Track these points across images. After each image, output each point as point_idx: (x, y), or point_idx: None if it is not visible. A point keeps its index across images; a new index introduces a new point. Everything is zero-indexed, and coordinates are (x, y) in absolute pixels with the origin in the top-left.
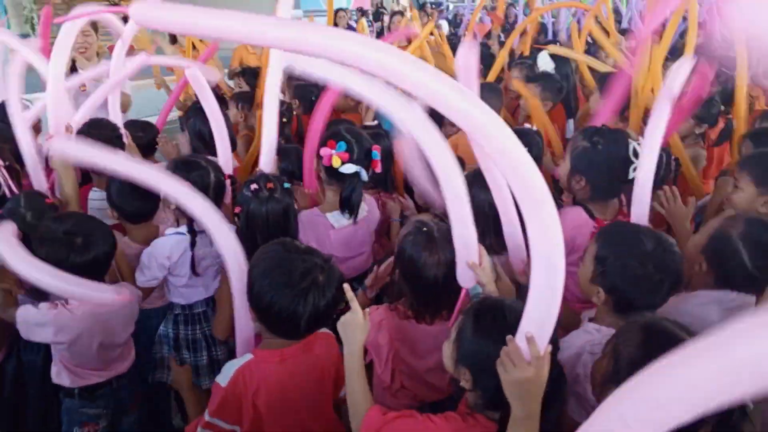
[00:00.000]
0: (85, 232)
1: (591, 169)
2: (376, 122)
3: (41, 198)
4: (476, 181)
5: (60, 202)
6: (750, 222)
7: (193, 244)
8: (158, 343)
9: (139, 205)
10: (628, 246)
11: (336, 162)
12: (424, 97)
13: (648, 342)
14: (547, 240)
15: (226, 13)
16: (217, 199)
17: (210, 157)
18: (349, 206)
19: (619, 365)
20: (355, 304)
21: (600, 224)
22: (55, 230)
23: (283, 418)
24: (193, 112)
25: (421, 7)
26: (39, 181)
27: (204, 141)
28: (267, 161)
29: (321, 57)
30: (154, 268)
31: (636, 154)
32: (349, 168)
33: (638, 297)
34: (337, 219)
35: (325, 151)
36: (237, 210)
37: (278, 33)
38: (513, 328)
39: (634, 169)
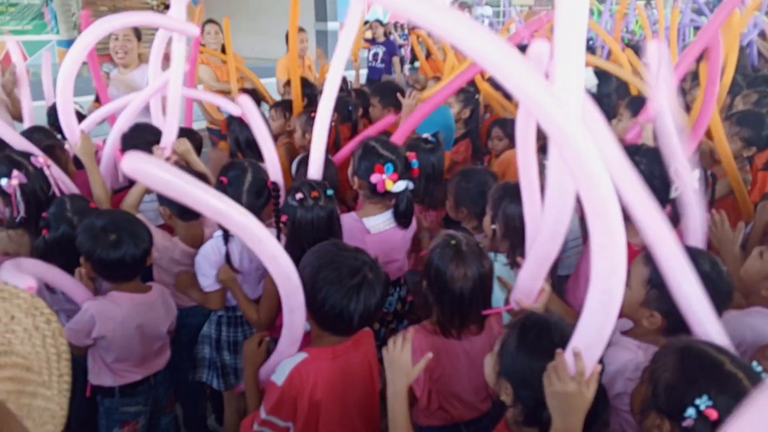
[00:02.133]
0: (119, 230)
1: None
2: (426, 135)
3: (85, 201)
4: (507, 195)
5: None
6: None
7: (226, 239)
8: (200, 343)
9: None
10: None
11: (390, 185)
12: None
13: (684, 365)
14: (610, 262)
15: None
16: (257, 198)
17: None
18: (404, 219)
19: (658, 390)
20: (408, 345)
21: (630, 249)
22: (93, 224)
23: (338, 413)
24: (234, 119)
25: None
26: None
27: (247, 148)
28: (316, 169)
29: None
30: (209, 272)
31: (677, 174)
32: (400, 186)
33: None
34: (374, 224)
35: (376, 178)
36: (284, 219)
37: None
38: (557, 346)
39: (676, 189)
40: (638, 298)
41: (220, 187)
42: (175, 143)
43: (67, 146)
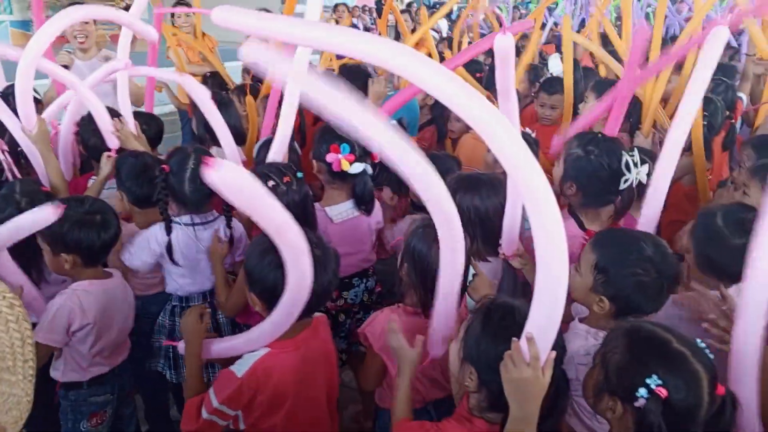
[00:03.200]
0: (100, 211)
1: (583, 177)
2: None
3: (36, 185)
4: (461, 187)
5: (52, 189)
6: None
7: (168, 231)
8: (157, 332)
9: (148, 189)
10: (630, 253)
11: (345, 165)
12: (439, 97)
13: (633, 346)
14: (552, 246)
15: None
16: (203, 185)
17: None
18: (363, 202)
19: (609, 373)
20: (400, 335)
21: (590, 235)
22: (78, 213)
23: (301, 403)
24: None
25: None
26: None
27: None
28: (278, 151)
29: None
30: (139, 254)
31: (628, 167)
32: (357, 167)
33: (643, 303)
34: (337, 213)
35: (332, 158)
36: None
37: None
38: (521, 330)
39: (626, 181)
40: (588, 284)
41: (162, 176)
42: (116, 124)
43: (20, 134)
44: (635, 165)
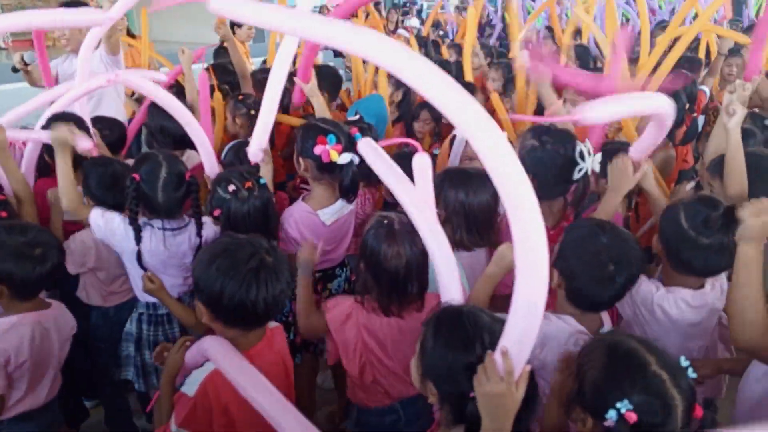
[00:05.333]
0: (42, 244)
1: (538, 168)
2: (357, 116)
3: None
4: (446, 180)
5: (16, 198)
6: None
7: (138, 239)
8: (124, 341)
9: (119, 197)
10: (586, 235)
11: (334, 156)
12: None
13: (610, 365)
14: (530, 262)
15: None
16: (175, 192)
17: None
18: (350, 194)
19: (584, 387)
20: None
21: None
22: (17, 243)
23: (255, 418)
24: (153, 108)
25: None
26: None
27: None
28: (254, 152)
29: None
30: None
31: (582, 156)
32: (345, 158)
33: (588, 285)
34: (328, 216)
35: (320, 149)
36: (216, 213)
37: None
38: (473, 336)
39: (579, 170)
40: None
41: (133, 184)
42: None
43: None
44: (589, 154)
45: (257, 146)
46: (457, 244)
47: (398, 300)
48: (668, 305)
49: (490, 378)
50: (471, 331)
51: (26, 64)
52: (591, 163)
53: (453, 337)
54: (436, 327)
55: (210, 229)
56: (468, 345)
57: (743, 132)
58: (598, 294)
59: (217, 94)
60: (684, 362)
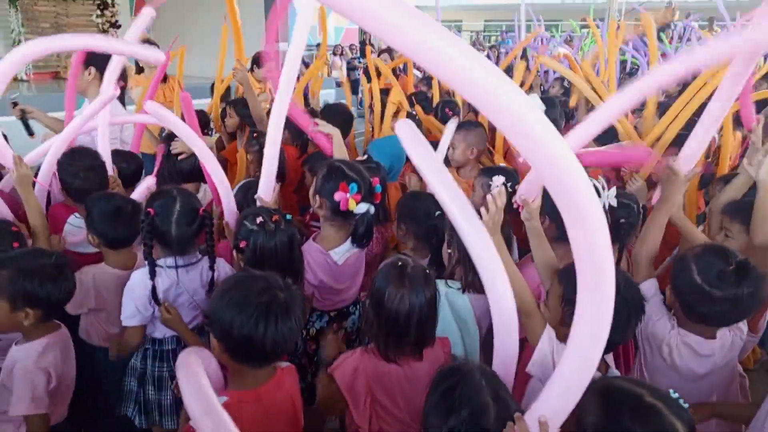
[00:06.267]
0: (64, 264)
1: (554, 209)
2: (366, 156)
3: (6, 224)
4: None
5: (29, 229)
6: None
7: (153, 274)
8: (128, 375)
9: (122, 232)
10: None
11: (352, 205)
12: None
13: (606, 405)
14: (589, 333)
15: None
16: (189, 227)
17: None
18: (363, 241)
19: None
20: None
21: None
22: (48, 267)
23: None
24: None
25: None
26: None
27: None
28: (266, 190)
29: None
30: (129, 305)
31: (597, 192)
32: (362, 207)
33: (610, 334)
34: (340, 256)
35: (339, 196)
36: (242, 245)
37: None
38: (458, 405)
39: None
40: (558, 317)
41: (147, 219)
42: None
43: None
44: (603, 188)
45: (267, 184)
46: (468, 286)
47: (394, 345)
48: (674, 345)
49: None
50: (459, 394)
51: (24, 112)
52: (606, 198)
53: (443, 400)
54: (433, 385)
55: (223, 267)
56: (452, 411)
57: None
58: (618, 338)
59: (242, 152)
60: (673, 394)
